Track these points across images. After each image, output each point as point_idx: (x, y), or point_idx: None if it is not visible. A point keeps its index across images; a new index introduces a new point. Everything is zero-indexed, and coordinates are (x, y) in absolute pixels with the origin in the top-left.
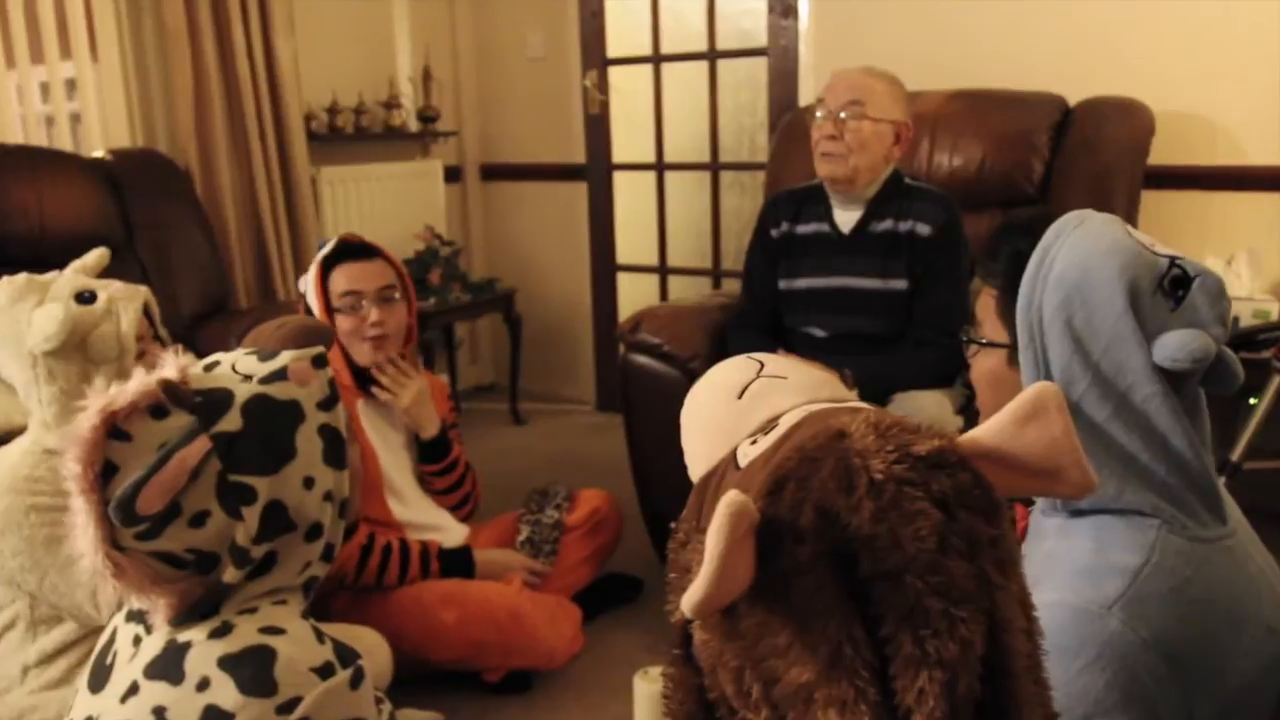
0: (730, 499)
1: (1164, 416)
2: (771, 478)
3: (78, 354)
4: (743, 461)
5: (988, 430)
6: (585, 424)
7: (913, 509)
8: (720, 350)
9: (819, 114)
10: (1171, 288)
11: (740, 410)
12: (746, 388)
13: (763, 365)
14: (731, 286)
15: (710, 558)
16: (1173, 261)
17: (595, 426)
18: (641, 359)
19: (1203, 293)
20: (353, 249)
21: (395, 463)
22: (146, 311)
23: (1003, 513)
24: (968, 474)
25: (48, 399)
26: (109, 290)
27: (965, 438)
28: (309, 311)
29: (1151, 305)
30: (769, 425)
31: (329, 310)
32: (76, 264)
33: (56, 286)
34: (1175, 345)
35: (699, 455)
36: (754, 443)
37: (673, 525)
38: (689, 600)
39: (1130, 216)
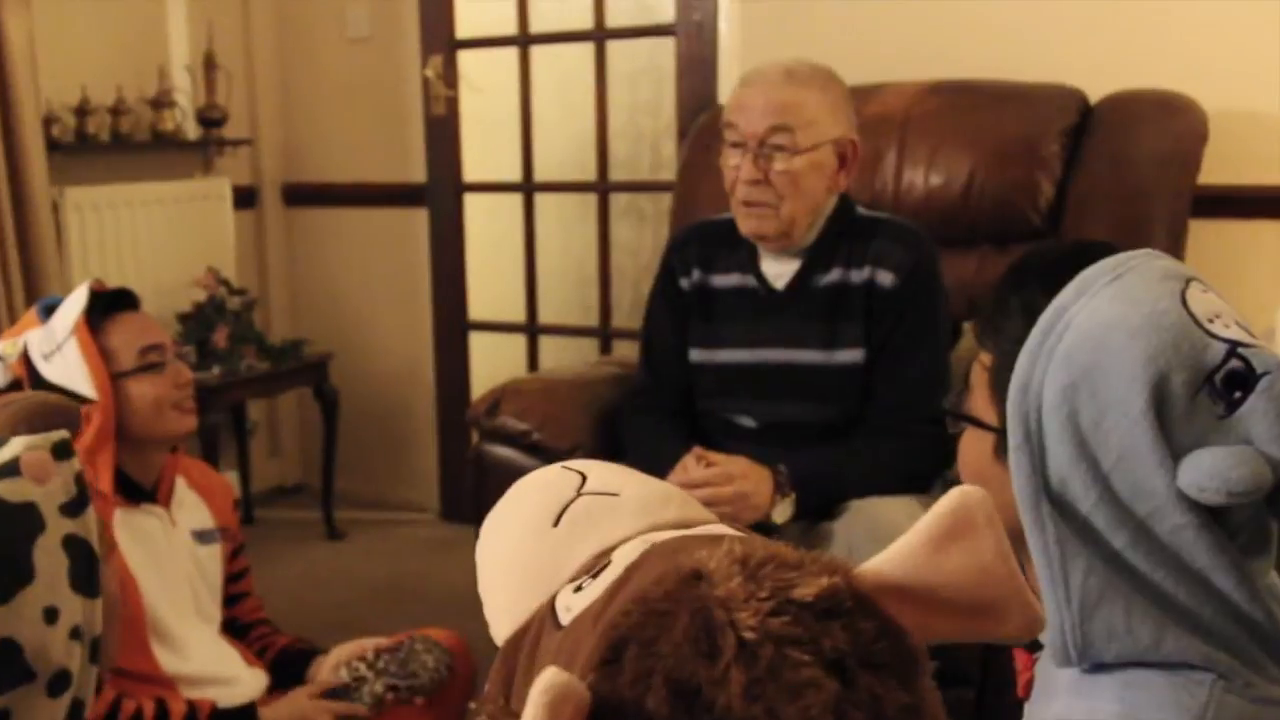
0: (548, 682)
1: (1201, 553)
2: (606, 641)
3: None
4: (564, 616)
5: (895, 558)
6: (425, 539)
7: (798, 679)
8: (612, 439)
9: (730, 141)
10: (1225, 387)
11: (557, 543)
12: (564, 511)
13: (585, 477)
14: (626, 352)
15: None
16: (1234, 349)
17: (439, 542)
18: (502, 451)
19: (1269, 399)
20: (115, 298)
21: (169, 594)
22: None
23: (920, 668)
24: (870, 621)
25: None
26: None
27: (867, 568)
28: (36, 386)
29: (1189, 409)
30: (598, 563)
31: (114, 376)
32: None
33: None
34: (1207, 470)
35: (502, 608)
36: (579, 589)
37: (472, 706)
38: None
39: (1172, 254)
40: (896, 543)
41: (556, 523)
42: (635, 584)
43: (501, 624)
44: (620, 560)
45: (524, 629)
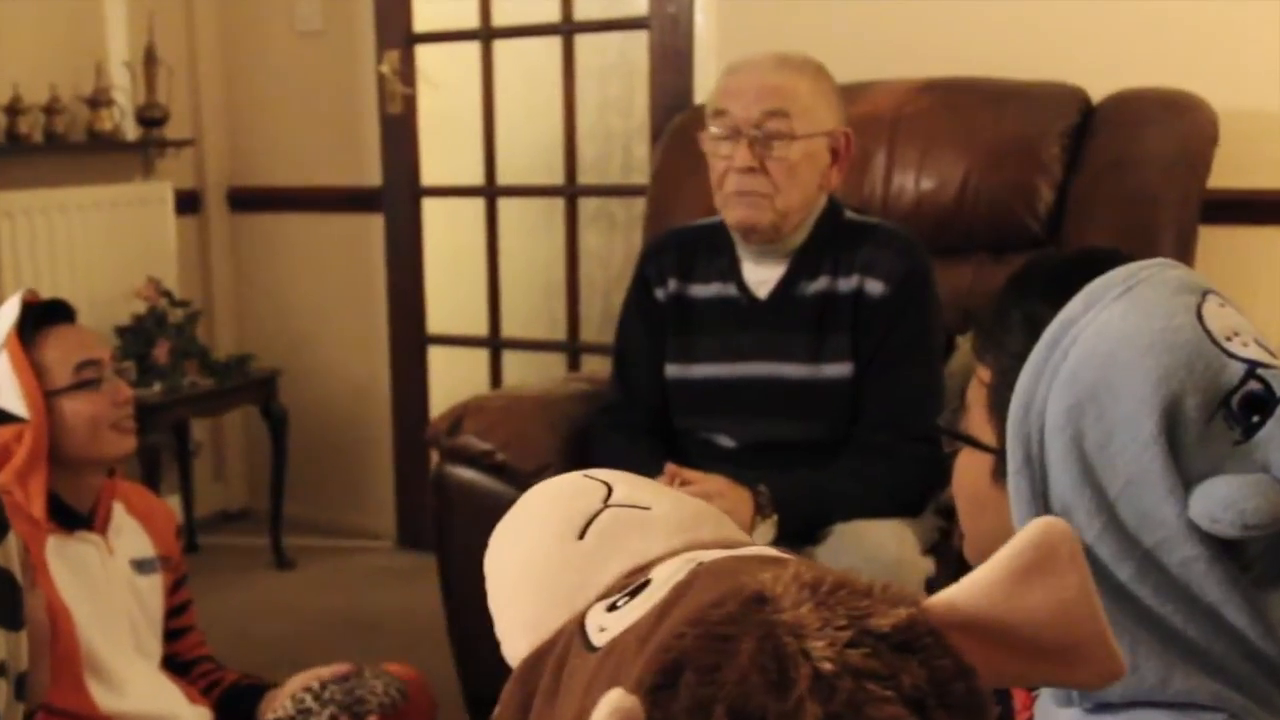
0: (614, 704)
1: (1212, 587)
2: (657, 664)
3: None
4: (596, 637)
5: (970, 590)
6: (381, 568)
7: (882, 716)
8: (581, 460)
9: (715, 130)
10: (1243, 410)
11: (584, 557)
12: (590, 522)
13: (610, 488)
14: (596, 368)
15: None
16: (1253, 370)
17: (395, 572)
18: (464, 473)
19: None
20: (49, 310)
21: (106, 627)
22: None
23: (989, 714)
24: (948, 658)
25: None
26: None
27: (938, 601)
28: None
29: (1203, 433)
30: (634, 581)
31: (48, 394)
32: None
33: None
34: (1220, 499)
35: (522, 623)
36: (613, 608)
37: None
38: None
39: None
40: (972, 574)
41: (582, 535)
42: (688, 604)
43: (518, 641)
44: (662, 579)
45: (545, 649)
